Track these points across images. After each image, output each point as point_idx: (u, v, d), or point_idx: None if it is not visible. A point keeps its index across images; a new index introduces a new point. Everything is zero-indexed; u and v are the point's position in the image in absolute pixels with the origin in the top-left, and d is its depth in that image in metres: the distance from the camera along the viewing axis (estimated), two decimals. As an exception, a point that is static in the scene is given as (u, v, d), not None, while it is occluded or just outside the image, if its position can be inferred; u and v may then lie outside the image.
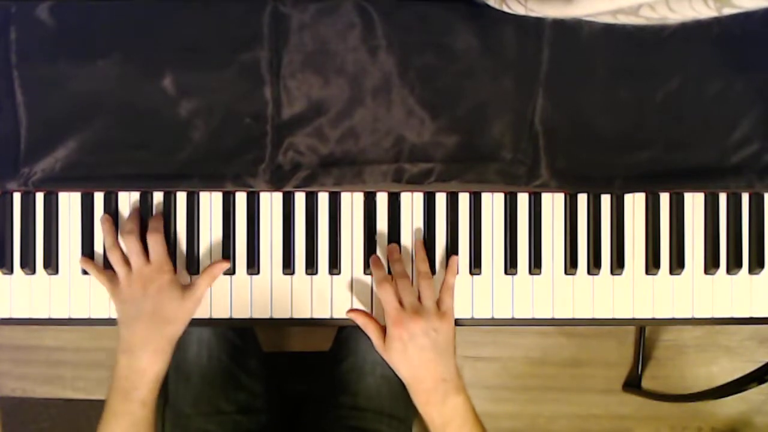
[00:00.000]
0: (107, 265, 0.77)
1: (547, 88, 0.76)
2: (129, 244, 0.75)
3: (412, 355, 0.71)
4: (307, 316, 0.79)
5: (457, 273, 0.78)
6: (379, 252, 0.79)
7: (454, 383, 0.71)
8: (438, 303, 0.74)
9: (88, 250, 0.78)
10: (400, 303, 0.73)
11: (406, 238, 0.79)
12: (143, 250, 0.75)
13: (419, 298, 0.74)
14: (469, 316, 0.79)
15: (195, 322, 0.78)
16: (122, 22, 0.75)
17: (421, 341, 0.71)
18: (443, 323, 0.72)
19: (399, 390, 0.87)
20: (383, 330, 0.74)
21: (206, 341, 0.88)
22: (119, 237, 0.77)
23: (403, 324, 0.71)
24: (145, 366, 0.71)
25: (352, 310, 0.76)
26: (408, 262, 0.79)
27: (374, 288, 0.76)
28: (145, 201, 0.78)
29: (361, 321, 0.75)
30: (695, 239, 0.80)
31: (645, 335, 1.51)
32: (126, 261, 0.75)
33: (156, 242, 0.75)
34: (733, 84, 0.76)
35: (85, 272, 0.78)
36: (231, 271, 0.78)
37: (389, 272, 0.77)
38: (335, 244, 0.79)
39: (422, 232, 0.79)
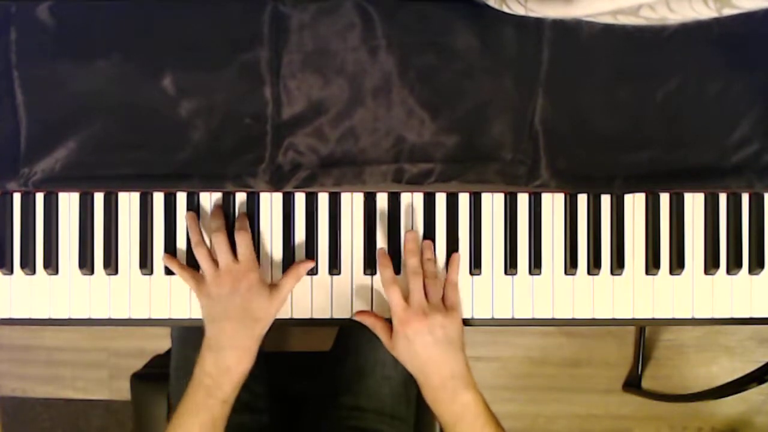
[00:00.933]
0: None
1: (547, 88, 0.76)
2: (218, 241, 0.74)
3: (420, 352, 0.71)
4: (307, 316, 0.79)
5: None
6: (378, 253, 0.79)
7: (464, 380, 0.71)
8: (443, 299, 0.75)
9: (88, 250, 0.78)
10: (407, 300, 0.73)
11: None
12: (231, 248, 0.75)
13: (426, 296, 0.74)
14: (469, 316, 0.79)
15: (195, 322, 0.78)
16: (122, 22, 0.75)
17: (428, 338, 0.71)
18: (450, 319, 0.72)
19: (400, 390, 0.87)
20: (391, 328, 0.74)
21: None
22: (205, 235, 0.77)
23: (410, 323, 0.71)
24: (231, 364, 0.71)
25: (359, 313, 0.77)
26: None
27: (382, 285, 0.76)
28: (145, 201, 0.78)
29: (369, 322, 0.76)
30: (695, 239, 0.80)
31: (645, 335, 1.51)
32: (213, 258, 0.75)
33: (244, 240, 0.75)
34: (733, 84, 0.76)
35: (85, 272, 0.78)
36: (231, 271, 0.78)
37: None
38: (335, 244, 0.79)
39: (422, 232, 0.79)
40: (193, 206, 0.78)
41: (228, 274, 0.73)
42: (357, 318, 0.77)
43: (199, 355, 0.72)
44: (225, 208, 0.78)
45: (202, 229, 0.77)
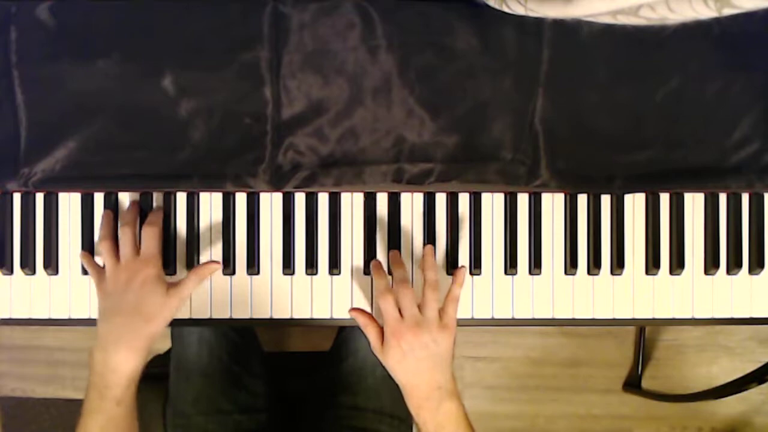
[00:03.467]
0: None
1: (547, 88, 0.76)
2: (123, 235, 0.73)
3: (409, 365, 0.70)
4: (307, 316, 0.79)
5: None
6: (379, 252, 0.79)
7: (449, 390, 0.70)
8: (440, 313, 0.72)
9: (88, 250, 0.78)
10: (401, 312, 0.71)
11: (406, 238, 0.79)
12: (136, 243, 0.73)
13: (421, 305, 0.71)
14: (469, 316, 0.79)
15: (195, 322, 0.78)
16: (122, 22, 0.75)
17: (420, 353, 0.69)
18: (444, 335, 0.70)
19: (399, 390, 0.87)
20: (382, 333, 0.72)
21: (207, 341, 0.88)
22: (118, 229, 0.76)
23: (403, 336, 0.69)
24: (118, 363, 0.68)
25: (354, 309, 0.76)
26: (408, 260, 0.79)
27: (375, 295, 0.75)
28: (146, 201, 0.78)
29: (362, 321, 0.74)
30: (695, 239, 0.80)
31: (645, 335, 1.51)
32: (116, 253, 0.73)
33: (150, 236, 0.73)
34: (733, 84, 0.76)
35: (85, 272, 0.78)
36: (231, 271, 0.78)
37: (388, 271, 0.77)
38: (335, 244, 0.79)
39: (422, 232, 0.79)
40: (193, 206, 0.78)
41: (125, 269, 0.71)
42: (351, 314, 0.76)
43: (90, 355, 0.70)
44: (225, 208, 0.78)
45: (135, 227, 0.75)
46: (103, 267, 0.74)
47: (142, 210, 0.78)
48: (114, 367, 0.68)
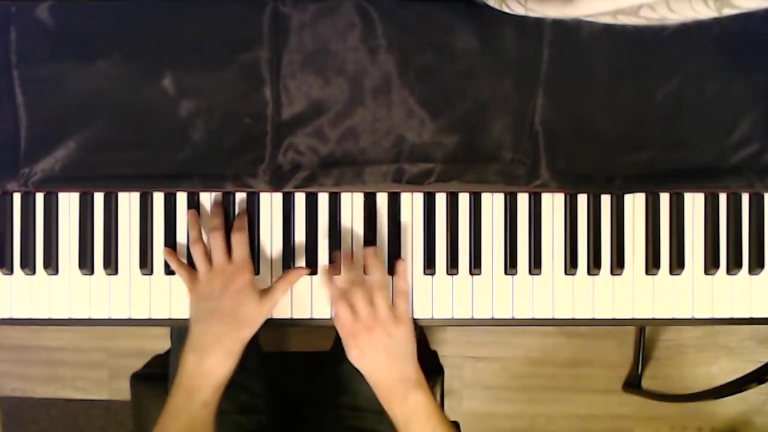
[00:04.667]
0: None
1: (547, 88, 0.75)
2: (214, 240, 0.74)
3: (370, 361, 0.73)
4: (307, 316, 0.79)
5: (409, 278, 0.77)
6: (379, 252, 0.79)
7: (414, 381, 0.72)
8: (392, 309, 0.74)
9: (89, 250, 0.78)
10: (356, 312, 0.73)
11: (406, 238, 0.79)
12: (227, 247, 0.75)
13: (373, 305, 0.73)
14: (469, 316, 0.79)
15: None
16: (122, 22, 0.75)
17: (377, 348, 0.72)
18: (398, 328, 0.73)
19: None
20: None
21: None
22: (203, 233, 0.77)
23: (358, 335, 0.72)
24: (212, 367, 0.70)
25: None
26: (408, 261, 0.79)
27: (330, 299, 0.77)
28: (145, 201, 0.78)
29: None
30: (695, 239, 0.80)
31: (645, 335, 1.51)
32: (208, 257, 0.75)
33: (240, 241, 0.74)
34: (733, 84, 0.76)
35: (85, 272, 0.78)
36: (231, 271, 0.78)
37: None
38: (335, 244, 0.79)
39: (422, 232, 0.79)
40: (194, 206, 0.78)
41: (221, 274, 0.73)
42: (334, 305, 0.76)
43: (182, 356, 0.71)
44: (225, 208, 0.78)
45: (202, 229, 0.77)
46: (193, 268, 0.75)
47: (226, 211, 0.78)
48: (206, 371, 0.70)
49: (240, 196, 0.79)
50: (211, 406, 0.70)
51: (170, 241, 0.78)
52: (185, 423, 0.69)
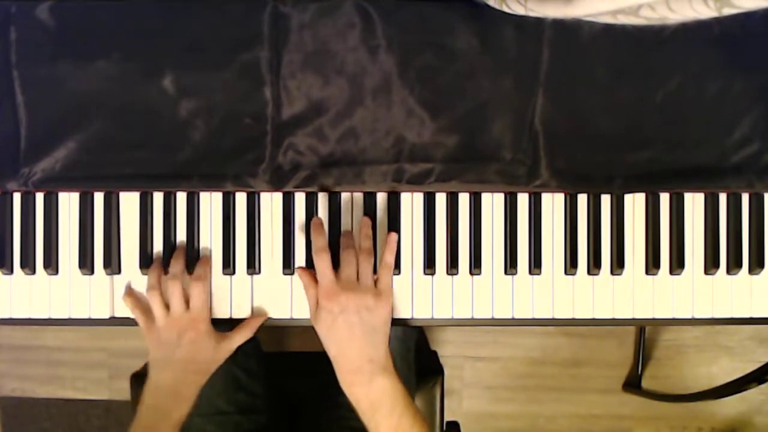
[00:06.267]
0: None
1: (547, 88, 0.76)
2: (172, 289, 0.74)
3: (340, 331, 0.69)
4: (307, 316, 0.79)
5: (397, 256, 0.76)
6: (379, 252, 0.79)
7: (382, 365, 0.69)
8: (375, 282, 0.73)
9: (90, 249, 0.78)
10: (338, 274, 0.71)
11: (406, 238, 0.79)
12: (184, 296, 0.74)
13: (358, 273, 0.72)
14: (469, 317, 0.79)
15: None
16: (122, 22, 0.75)
17: (352, 318, 0.69)
18: (379, 303, 0.71)
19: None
20: None
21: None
22: (163, 279, 0.76)
23: (335, 297, 0.69)
24: (169, 410, 0.72)
25: (301, 268, 0.76)
26: (408, 261, 0.79)
27: (313, 253, 0.74)
28: (145, 201, 0.78)
29: (305, 281, 0.75)
30: (695, 239, 0.80)
31: (645, 335, 1.51)
32: (165, 303, 0.75)
33: (199, 291, 0.74)
34: (733, 84, 0.76)
35: (85, 272, 0.78)
36: (231, 271, 0.78)
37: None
38: (335, 244, 0.79)
39: (422, 232, 0.79)
40: (193, 206, 0.78)
41: (176, 323, 0.74)
42: (297, 272, 0.76)
43: (141, 395, 0.73)
44: (225, 208, 0.78)
45: (163, 275, 0.76)
46: (149, 309, 0.75)
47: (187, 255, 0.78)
48: (165, 413, 0.72)
49: (240, 196, 0.79)
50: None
51: (169, 240, 0.78)
52: None
